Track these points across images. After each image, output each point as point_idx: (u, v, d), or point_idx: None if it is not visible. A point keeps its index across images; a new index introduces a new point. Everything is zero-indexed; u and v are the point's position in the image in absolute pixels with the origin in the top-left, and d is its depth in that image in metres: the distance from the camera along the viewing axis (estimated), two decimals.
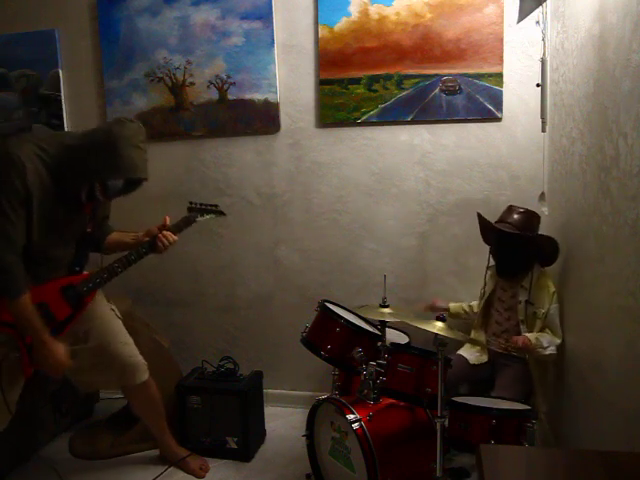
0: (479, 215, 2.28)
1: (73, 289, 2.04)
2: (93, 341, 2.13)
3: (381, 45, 2.62)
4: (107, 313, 2.21)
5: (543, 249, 2.17)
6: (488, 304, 2.32)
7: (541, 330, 2.14)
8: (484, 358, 2.29)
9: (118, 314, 2.25)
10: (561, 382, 2.26)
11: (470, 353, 2.32)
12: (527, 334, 2.11)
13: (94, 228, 2.13)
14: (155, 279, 3.06)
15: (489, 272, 2.33)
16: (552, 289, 2.15)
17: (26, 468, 2.45)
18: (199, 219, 2.27)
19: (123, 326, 2.25)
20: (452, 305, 2.47)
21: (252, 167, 2.89)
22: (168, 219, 2.18)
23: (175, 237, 2.16)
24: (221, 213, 2.33)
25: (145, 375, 2.24)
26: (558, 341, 2.10)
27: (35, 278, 1.97)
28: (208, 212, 2.29)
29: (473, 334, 2.36)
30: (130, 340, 2.24)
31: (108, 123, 1.94)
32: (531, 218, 2.18)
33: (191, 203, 2.28)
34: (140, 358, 2.23)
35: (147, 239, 2.16)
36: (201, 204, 2.29)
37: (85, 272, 2.14)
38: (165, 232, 2.14)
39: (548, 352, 2.08)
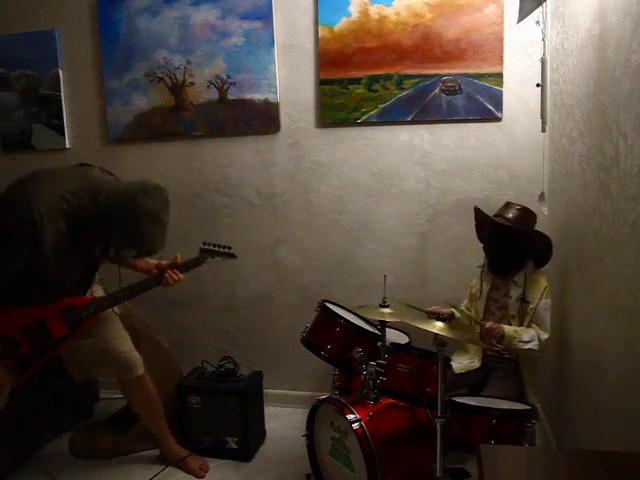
0: (477, 209, 2.27)
1: (73, 312, 2.06)
2: (88, 336, 2.16)
3: (381, 45, 2.62)
4: None
5: (537, 246, 2.17)
6: (485, 307, 2.29)
7: (529, 325, 2.13)
8: (475, 364, 2.26)
9: (115, 309, 2.27)
10: (561, 382, 2.26)
11: (460, 360, 2.28)
12: (505, 326, 2.09)
13: (105, 260, 2.18)
14: None
15: (483, 273, 2.31)
16: (544, 285, 2.13)
17: (26, 468, 2.45)
18: (209, 261, 2.28)
19: (119, 321, 2.28)
20: (458, 315, 2.32)
21: (252, 167, 2.89)
22: (180, 257, 2.21)
23: (182, 276, 2.21)
24: (232, 256, 2.31)
25: (140, 370, 2.26)
26: (544, 336, 2.07)
27: (35, 300, 2.00)
28: (219, 254, 2.29)
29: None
30: (125, 335, 2.27)
31: (135, 190, 1.88)
32: (527, 215, 2.18)
33: (204, 244, 2.28)
34: (135, 353, 2.26)
35: (155, 272, 2.21)
36: (214, 245, 2.28)
37: (87, 296, 2.17)
38: (171, 272, 2.19)
39: (528, 347, 2.05)
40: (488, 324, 2.07)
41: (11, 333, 1.97)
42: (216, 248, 2.27)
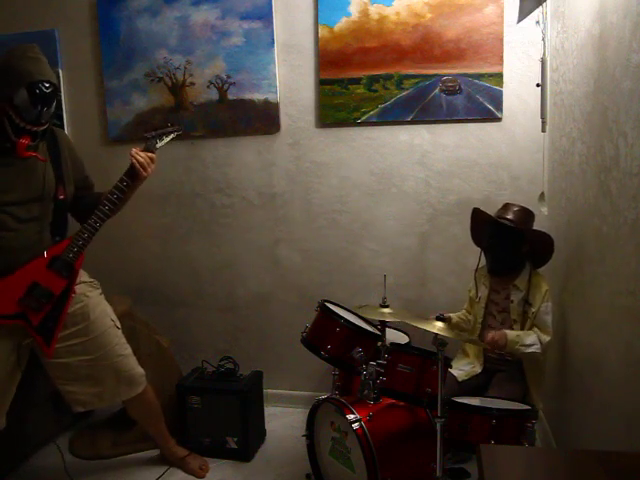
0: (477, 210, 2.25)
1: (59, 259, 1.96)
2: (89, 354, 2.09)
3: (381, 45, 2.62)
4: (106, 324, 2.15)
5: (537, 246, 2.16)
6: (485, 311, 2.27)
7: (531, 329, 2.13)
8: (476, 370, 2.25)
9: (117, 324, 2.20)
10: (561, 382, 2.26)
11: (461, 367, 2.27)
12: (507, 331, 2.08)
13: (66, 195, 2.05)
14: (155, 279, 3.07)
15: (482, 277, 2.30)
16: (545, 288, 2.13)
17: (26, 468, 2.45)
18: (160, 145, 2.10)
19: (122, 336, 2.19)
20: (454, 319, 2.35)
21: (252, 167, 2.89)
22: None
23: (151, 154, 2.02)
24: (178, 129, 2.16)
25: (140, 387, 2.21)
26: (547, 339, 2.08)
27: (11, 263, 1.92)
28: (167, 134, 2.11)
29: (467, 343, 2.34)
30: (127, 351, 2.19)
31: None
32: (527, 216, 2.18)
33: (146, 132, 2.10)
34: (137, 370, 2.20)
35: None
36: (155, 129, 2.11)
37: (65, 240, 2.03)
38: (137, 150, 2.01)
39: (530, 350, 2.06)
40: (489, 338, 2.05)
41: (9, 311, 1.89)
42: (160, 131, 2.10)
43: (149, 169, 2.02)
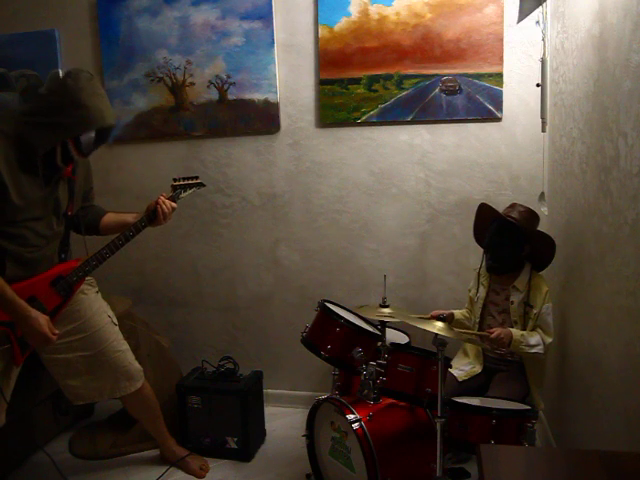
0: (483, 204, 2.25)
1: (63, 280, 2.01)
2: (87, 350, 2.11)
3: (381, 45, 2.62)
4: (103, 320, 2.16)
5: (539, 248, 2.16)
6: (483, 311, 2.28)
7: (533, 330, 2.13)
8: (476, 370, 2.25)
9: (114, 320, 2.22)
10: (561, 382, 2.26)
11: (460, 367, 2.27)
12: (513, 330, 2.08)
13: (73, 210, 2.08)
14: (155, 279, 3.07)
15: (481, 277, 2.31)
16: (545, 289, 2.14)
17: (26, 468, 2.45)
18: (182, 196, 2.23)
19: (119, 332, 2.22)
20: (457, 315, 2.35)
21: (252, 167, 2.89)
22: (165, 195, 2.17)
23: (174, 204, 2.15)
24: (201, 185, 2.28)
25: (139, 383, 2.23)
26: (549, 340, 2.09)
27: (28, 270, 1.94)
28: (191, 187, 2.25)
29: (468, 344, 2.34)
30: (125, 347, 2.21)
31: (60, 80, 1.88)
32: (532, 217, 2.18)
33: (175, 180, 2.23)
34: (134, 366, 2.22)
35: (145, 212, 2.13)
36: (183, 179, 2.23)
37: (73, 260, 2.09)
38: (164, 199, 2.12)
39: (534, 351, 2.06)
40: (494, 334, 2.05)
41: (4, 318, 1.90)
42: (186, 182, 2.23)
43: (168, 219, 2.14)
